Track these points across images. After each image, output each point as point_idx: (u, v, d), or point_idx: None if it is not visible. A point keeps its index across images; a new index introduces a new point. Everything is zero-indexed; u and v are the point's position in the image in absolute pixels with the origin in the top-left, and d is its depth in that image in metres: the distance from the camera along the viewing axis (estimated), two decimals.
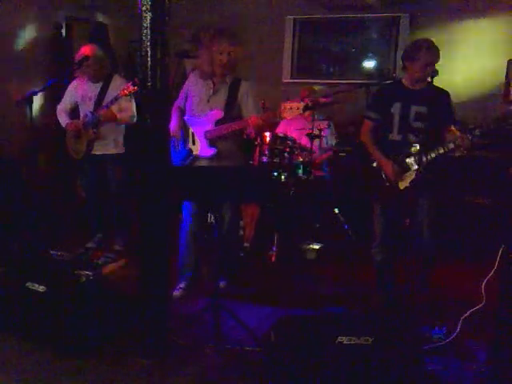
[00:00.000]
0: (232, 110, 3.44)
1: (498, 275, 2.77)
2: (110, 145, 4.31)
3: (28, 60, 5.47)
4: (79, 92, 4.37)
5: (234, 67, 3.44)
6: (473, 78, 5.53)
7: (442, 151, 3.16)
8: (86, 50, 4.24)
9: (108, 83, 4.29)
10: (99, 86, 4.30)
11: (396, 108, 3.29)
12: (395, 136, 3.32)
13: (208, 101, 3.49)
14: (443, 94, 3.30)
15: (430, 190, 3.31)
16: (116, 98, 4.03)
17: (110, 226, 4.62)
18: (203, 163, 3.48)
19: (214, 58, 3.36)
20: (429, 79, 3.21)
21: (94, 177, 4.48)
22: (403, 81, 3.36)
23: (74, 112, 4.43)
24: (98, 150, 4.33)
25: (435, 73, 3.15)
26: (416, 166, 3.20)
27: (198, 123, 3.48)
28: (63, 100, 4.46)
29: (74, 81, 4.44)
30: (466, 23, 5.58)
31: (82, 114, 4.35)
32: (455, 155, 3.19)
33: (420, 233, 3.34)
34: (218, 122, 3.42)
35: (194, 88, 3.53)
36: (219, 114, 3.42)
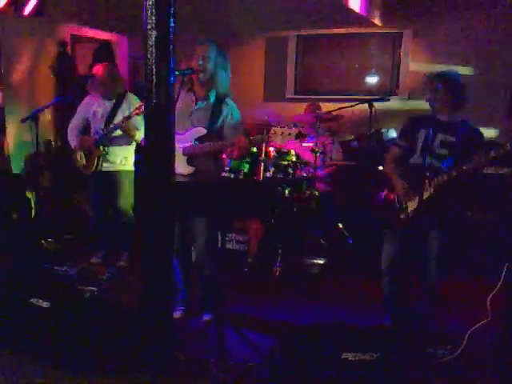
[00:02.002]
0: (215, 128, 3.27)
1: (503, 290, 2.75)
2: (118, 162, 4.33)
3: (33, 78, 5.53)
4: (91, 109, 4.39)
5: (209, 79, 3.26)
6: None
7: (454, 173, 3.08)
8: (98, 67, 4.31)
9: (121, 101, 4.32)
10: (112, 103, 4.32)
11: (422, 133, 3.23)
12: (417, 159, 3.24)
13: (190, 115, 3.32)
14: (474, 130, 3.23)
15: (442, 216, 3.22)
16: (127, 118, 4.06)
17: (115, 241, 4.62)
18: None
19: (193, 66, 3.23)
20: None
21: (101, 192, 4.47)
22: (435, 110, 3.27)
23: (85, 129, 4.46)
24: (107, 167, 4.35)
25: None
26: (429, 188, 3.13)
27: (177, 139, 3.09)
28: (75, 117, 4.48)
29: (87, 97, 4.48)
30: None
31: (92, 131, 4.38)
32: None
33: (426, 261, 3.25)
34: (199, 139, 3.27)
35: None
36: (202, 131, 3.26)
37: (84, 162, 4.38)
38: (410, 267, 3.38)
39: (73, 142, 4.44)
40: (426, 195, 3.14)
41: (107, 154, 4.29)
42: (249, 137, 3.20)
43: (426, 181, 3.14)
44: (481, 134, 3.24)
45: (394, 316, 3.40)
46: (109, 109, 4.31)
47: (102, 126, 4.26)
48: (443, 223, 3.22)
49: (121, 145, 4.29)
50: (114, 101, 4.32)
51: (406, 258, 3.34)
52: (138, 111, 3.95)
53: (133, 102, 4.26)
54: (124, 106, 4.28)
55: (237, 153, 3.22)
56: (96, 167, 4.33)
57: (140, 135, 4.10)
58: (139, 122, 4.00)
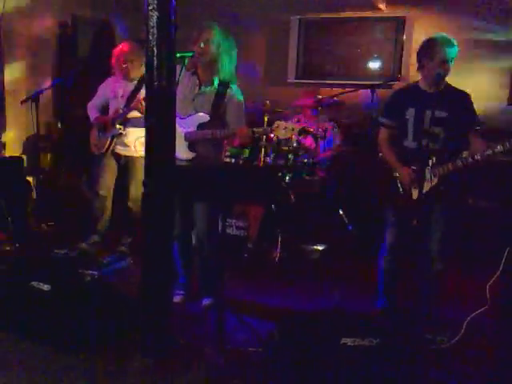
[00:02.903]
0: (217, 114, 3.25)
1: (503, 277, 2.76)
2: (133, 147, 4.24)
3: (33, 59, 5.49)
4: (112, 89, 4.34)
5: (212, 63, 3.23)
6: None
7: (460, 165, 3.02)
8: (124, 45, 4.27)
9: (143, 82, 4.26)
10: (133, 84, 4.26)
11: (410, 113, 3.14)
12: (410, 143, 3.18)
13: (193, 100, 3.30)
14: (464, 96, 3.15)
15: (446, 202, 3.19)
16: (144, 99, 4.02)
17: (117, 226, 4.60)
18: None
19: (198, 52, 3.20)
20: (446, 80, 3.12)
21: (110, 173, 4.42)
22: (419, 83, 3.21)
23: (104, 108, 4.41)
24: (120, 150, 4.33)
25: (447, 71, 3.06)
26: (432, 178, 3.09)
27: (179, 123, 3.15)
28: (96, 95, 4.44)
29: (109, 78, 4.43)
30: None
31: (111, 110, 4.33)
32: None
33: (430, 244, 3.22)
34: (202, 126, 3.25)
35: (180, 81, 3.13)
36: (205, 117, 3.24)
37: (98, 140, 4.34)
38: (411, 252, 3.38)
39: (91, 119, 4.40)
40: (429, 186, 3.12)
41: (122, 132, 4.23)
42: (252, 127, 3.19)
43: (429, 170, 3.10)
44: (469, 96, 3.14)
45: (392, 301, 3.41)
46: (130, 89, 4.24)
47: (122, 106, 4.22)
48: (447, 205, 3.19)
49: (137, 127, 4.16)
50: (136, 82, 4.26)
51: (408, 243, 3.34)
52: None
53: None
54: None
55: (238, 143, 3.22)
56: (108, 147, 4.30)
57: None
58: None
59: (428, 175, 3.10)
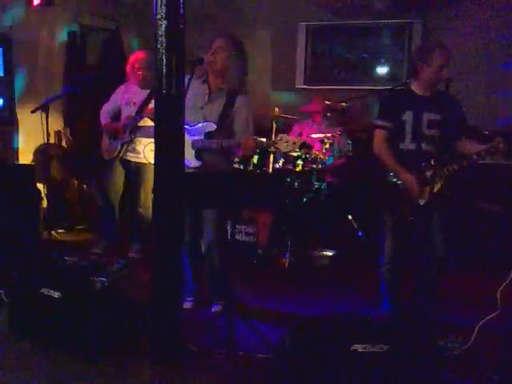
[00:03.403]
0: (225, 123, 3.25)
1: None
2: (143, 154, 4.25)
3: (43, 68, 5.53)
4: (126, 96, 4.39)
5: (222, 72, 3.25)
6: None
7: (465, 163, 3.05)
8: (139, 54, 4.34)
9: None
10: (146, 92, 4.27)
11: (408, 115, 3.18)
12: (408, 145, 3.20)
13: (202, 108, 3.31)
14: (454, 100, 3.24)
15: (446, 203, 3.21)
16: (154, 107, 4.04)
17: (126, 232, 4.63)
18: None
19: (208, 60, 3.22)
20: (442, 87, 3.16)
21: (118, 180, 4.46)
22: (413, 87, 3.26)
23: (116, 115, 4.45)
24: (130, 156, 4.35)
25: (449, 80, 3.11)
26: (436, 180, 3.09)
27: (187, 131, 3.15)
28: (109, 101, 4.48)
29: (123, 85, 4.48)
30: None
31: (123, 117, 4.36)
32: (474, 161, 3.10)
33: (432, 246, 3.23)
34: (209, 135, 3.26)
35: (189, 89, 3.08)
36: (212, 126, 3.25)
37: (109, 146, 4.38)
38: (412, 257, 3.37)
39: (102, 124, 4.45)
40: (437, 188, 3.11)
41: (132, 141, 4.27)
42: (260, 134, 3.21)
43: (431, 173, 3.09)
44: (459, 100, 3.23)
45: (398, 306, 3.39)
46: (142, 97, 4.26)
47: (133, 114, 4.25)
48: (450, 207, 3.21)
49: (148, 135, 4.23)
50: (149, 90, 4.25)
51: (407, 248, 3.32)
52: None
53: None
54: None
55: (242, 153, 3.22)
56: (118, 154, 4.33)
57: None
58: None
59: (433, 178, 3.09)
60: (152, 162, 4.22)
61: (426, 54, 3.13)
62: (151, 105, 4.14)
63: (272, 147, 3.21)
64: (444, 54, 3.11)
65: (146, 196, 4.28)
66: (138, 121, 4.20)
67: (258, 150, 3.62)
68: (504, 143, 2.99)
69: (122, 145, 4.32)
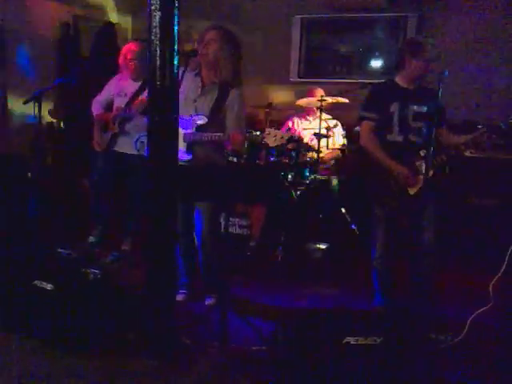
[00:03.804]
0: (217, 117, 3.24)
1: (506, 276, 2.75)
2: (134, 145, 4.19)
3: (36, 59, 5.50)
4: (118, 86, 4.37)
5: (215, 65, 3.21)
6: None
7: (453, 153, 3.11)
8: (131, 45, 4.31)
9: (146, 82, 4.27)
10: (138, 83, 4.27)
11: (395, 107, 3.21)
12: (396, 137, 3.23)
13: (195, 101, 3.30)
14: (436, 93, 3.21)
15: (436, 193, 3.24)
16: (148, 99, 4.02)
17: (119, 225, 4.62)
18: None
19: (200, 52, 3.18)
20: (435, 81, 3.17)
21: (109, 172, 4.44)
22: (397, 80, 3.29)
23: (109, 105, 4.42)
24: (120, 148, 4.33)
25: (442, 76, 3.12)
26: (426, 170, 3.09)
27: (180, 124, 3.04)
28: (102, 92, 4.46)
29: (117, 75, 4.45)
30: None
31: (114, 108, 4.34)
32: (465, 155, 3.15)
33: (423, 238, 3.24)
34: (200, 128, 3.24)
35: (183, 82, 2.98)
36: (203, 119, 3.24)
37: (100, 137, 4.36)
38: (403, 249, 3.38)
39: (93, 114, 4.44)
40: (422, 180, 3.14)
41: (122, 133, 4.26)
42: (252, 128, 3.20)
43: (422, 163, 3.11)
44: (439, 93, 3.20)
45: (390, 299, 3.41)
46: (134, 89, 4.25)
47: (123, 105, 4.23)
48: (439, 199, 3.25)
49: (138, 127, 4.15)
50: (141, 81, 4.25)
51: (399, 241, 3.34)
52: None
53: None
54: None
55: (231, 148, 3.20)
56: (108, 145, 4.31)
57: None
58: None
59: (423, 168, 3.11)
60: (143, 153, 4.27)
61: (415, 48, 3.17)
62: (142, 96, 4.15)
63: (261, 141, 3.21)
64: (432, 49, 3.16)
65: (136, 187, 4.29)
66: (127, 112, 4.19)
67: (245, 145, 3.61)
68: (488, 132, 3.07)
69: (112, 136, 4.30)
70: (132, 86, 4.28)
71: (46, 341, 2.89)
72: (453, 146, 3.21)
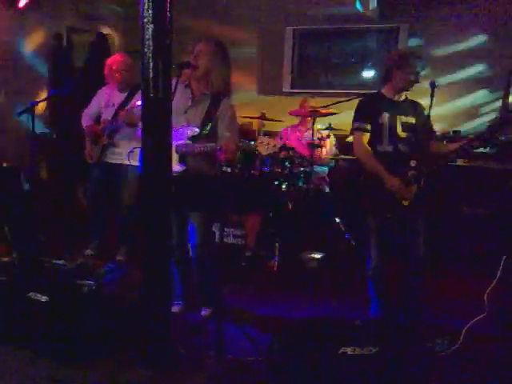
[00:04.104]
0: (207, 127, 3.22)
1: (500, 285, 2.76)
2: (125, 155, 4.26)
3: (29, 70, 5.50)
4: (105, 98, 4.39)
5: (205, 77, 3.22)
6: None
7: (443, 162, 3.15)
8: (116, 57, 4.36)
9: (134, 93, 4.27)
10: (125, 95, 4.30)
11: (384, 118, 3.24)
12: (386, 147, 3.25)
13: (185, 112, 3.29)
14: (420, 105, 3.34)
15: (427, 202, 3.27)
16: (129, 110, 4.04)
17: (113, 235, 4.61)
18: None
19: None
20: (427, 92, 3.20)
21: (102, 184, 4.46)
22: (384, 92, 3.33)
23: (98, 117, 4.45)
24: (111, 159, 4.34)
25: (434, 85, 3.15)
26: (417, 180, 3.12)
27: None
28: (90, 104, 4.49)
29: (104, 87, 4.48)
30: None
31: (101, 120, 4.37)
32: (455, 165, 3.19)
33: (415, 248, 3.24)
34: (192, 139, 3.23)
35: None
36: (194, 131, 3.22)
37: (91, 150, 4.38)
38: (400, 260, 3.38)
39: (83, 126, 4.46)
40: (414, 190, 3.16)
41: (111, 144, 4.28)
42: (244, 138, 3.21)
43: (412, 173, 3.14)
44: (422, 105, 3.33)
45: (386, 309, 3.40)
46: (120, 100, 4.28)
47: (110, 117, 4.25)
48: (430, 209, 3.29)
49: (127, 136, 4.17)
50: (127, 93, 4.30)
51: (392, 251, 3.35)
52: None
53: None
54: (137, 97, 4.23)
55: (223, 157, 3.19)
56: (100, 157, 4.32)
57: None
58: None
59: (415, 178, 3.14)
60: (135, 164, 4.27)
61: (401, 60, 3.20)
62: (128, 107, 4.16)
63: (254, 150, 3.20)
64: (418, 61, 3.19)
65: (129, 197, 4.30)
66: (114, 124, 4.20)
67: (238, 154, 3.61)
68: (478, 141, 3.10)
69: (103, 148, 4.30)
70: (118, 97, 4.32)
71: (42, 352, 2.87)
72: (442, 154, 3.25)
